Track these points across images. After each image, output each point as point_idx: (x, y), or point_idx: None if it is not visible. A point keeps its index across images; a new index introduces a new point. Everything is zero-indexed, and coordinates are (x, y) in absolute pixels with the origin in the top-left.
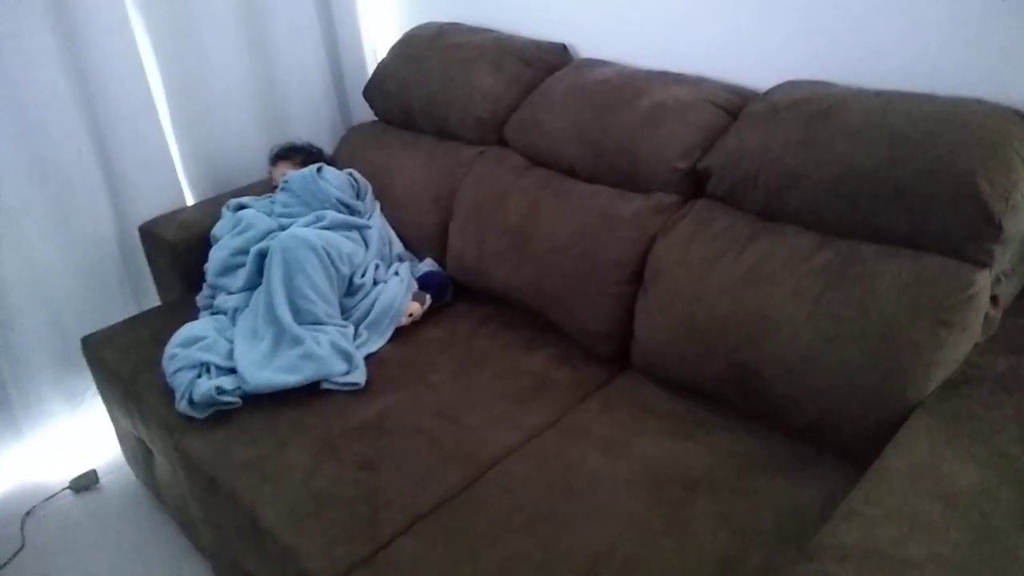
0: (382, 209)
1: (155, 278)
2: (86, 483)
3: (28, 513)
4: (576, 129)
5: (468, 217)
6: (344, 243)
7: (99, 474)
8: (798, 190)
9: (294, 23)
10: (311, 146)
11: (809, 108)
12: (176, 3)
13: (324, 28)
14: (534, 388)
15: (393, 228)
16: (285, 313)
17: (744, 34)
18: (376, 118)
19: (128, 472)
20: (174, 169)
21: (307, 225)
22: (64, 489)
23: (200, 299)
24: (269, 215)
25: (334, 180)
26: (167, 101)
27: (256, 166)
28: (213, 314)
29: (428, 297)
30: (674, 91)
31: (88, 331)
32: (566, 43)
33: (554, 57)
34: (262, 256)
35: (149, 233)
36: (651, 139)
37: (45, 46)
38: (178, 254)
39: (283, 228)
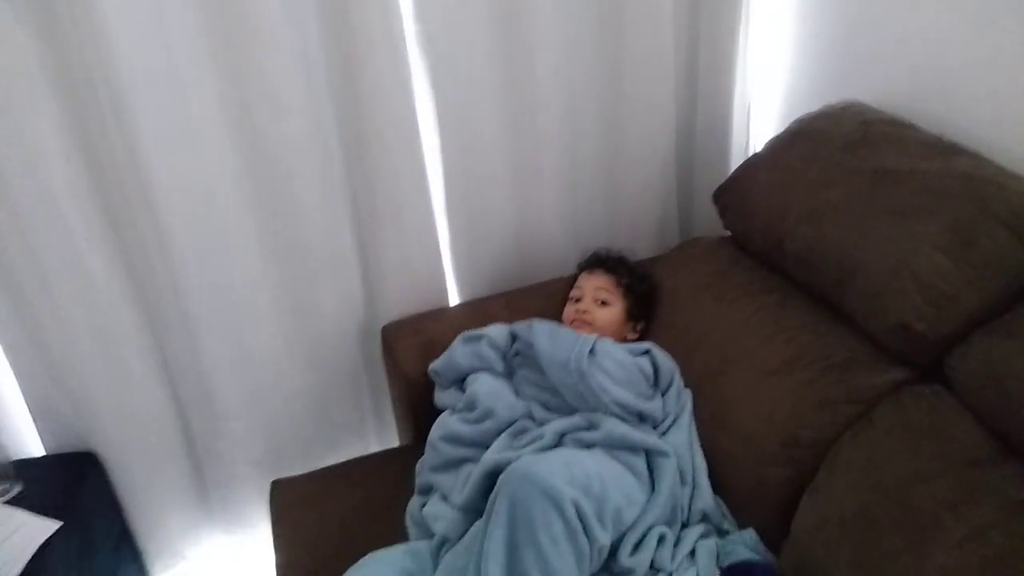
0: (695, 409)
1: (393, 405)
2: None
3: None
4: None
5: (842, 518)
6: (614, 488)
7: None
8: None
9: (645, 54)
10: (644, 273)
11: None
12: (460, 58)
13: (683, 72)
14: None
15: (705, 451)
16: None
17: None
18: (726, 232)
19: None
20: (439, 257)
21: (565, 435)
22: None
23: (419, 473)
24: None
25: (616, 372)
26: (442, 163)
27: (549, 262)
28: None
29: None
30: None
31: (305, 449)
32: None
33: None
34: (492, 478)
35: (388, 344)
36: None
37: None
38: (411, 385)
39: (534, 418)
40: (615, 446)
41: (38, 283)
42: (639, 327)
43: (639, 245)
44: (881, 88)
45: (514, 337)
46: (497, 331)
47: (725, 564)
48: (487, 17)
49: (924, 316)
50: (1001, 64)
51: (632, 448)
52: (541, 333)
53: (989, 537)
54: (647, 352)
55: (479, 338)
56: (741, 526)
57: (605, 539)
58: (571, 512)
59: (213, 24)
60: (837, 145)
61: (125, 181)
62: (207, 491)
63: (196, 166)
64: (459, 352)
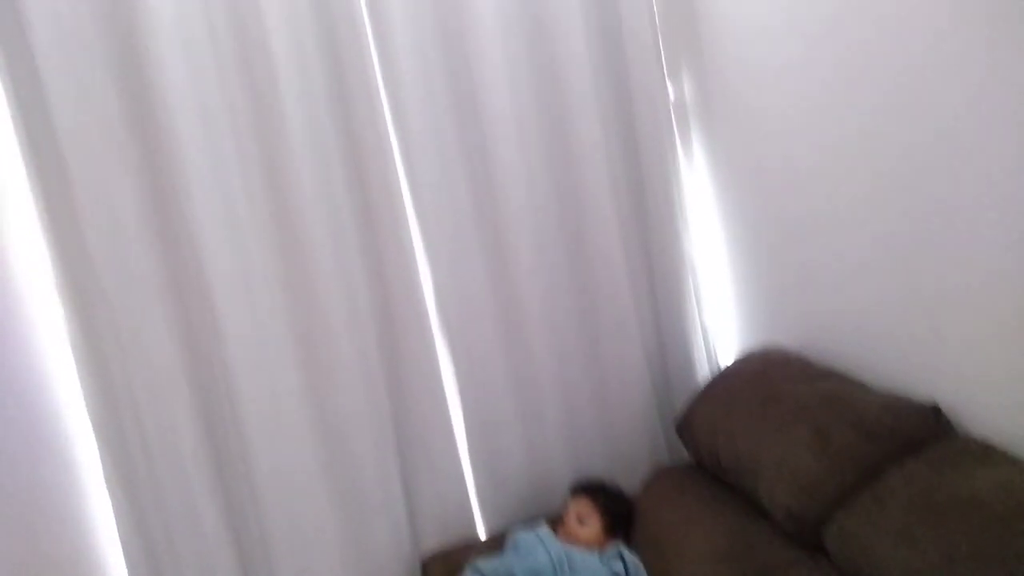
0: None
1: None
2: None
3: None
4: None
5: None
6: None
7: None
8: None
9: (617, 324)
10: (619, 494)
11: None
12: (473, 337)
13: (650, 339)
14: None
15: None
16: None
17: None
18: (691, 458)
19: None
20: (467, 494)
21: None
22: None
23: None
24: None
25: None
26: (463, 415)
27: (558, 495)
28: None
29: None
30: None
31: None
32: (942, 403)
33: (916, 427)
34: None
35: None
36: None
37: (373, 384)
38: None
39: None
40: None
41: (163, 531)
42: (618, 540)
43: (634, 477)
44: (796, 331)
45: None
46: (490, 568)
47: None
48: (493, 308)
49: (799, 500)
50: (872, 313)
51: None
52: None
53: None
54: (619, 554)
55: (475, 570)
56: None
57: None
58: None
59: (292, 311)
60: (745, 379)
61: (232, 447)
62: None
63: (282, 440)
64: None
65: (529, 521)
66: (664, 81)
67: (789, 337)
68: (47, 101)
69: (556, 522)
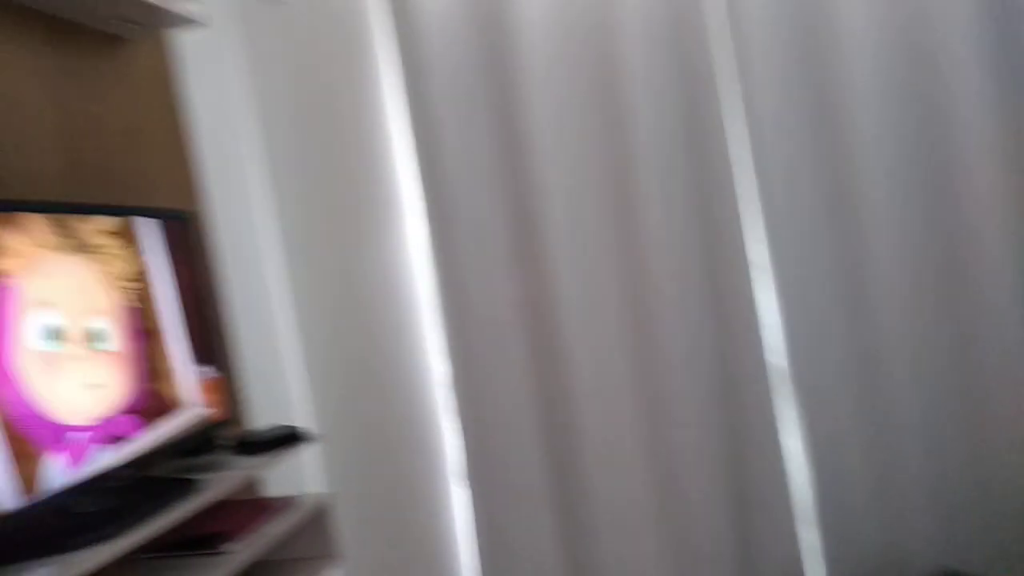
0: None
1: None
2: None
3: None
4: None
5: None
6: None
7: None
8: None
9: (1007, 384)
10: None
11: None
12: (825, 373)
13: None
14: None
15: None
16: None
17: None
18: None
19: None
20: (803, 557)
21: None
22: None
23: None
24: None
25: None
26: (809, 471)
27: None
28: None
29: None
30: None
31: None
32: None
33: None
34: None
35: None
36: None
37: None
38: None
39: None
40: None
41: (509, 537)
42: None
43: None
44: None
45: None
46: None
47: None
48: (850, 358)
49: None
50: None
51: None
52: None
53: None
54: None
55: None
56: None
57: None
58: None
59: (633, 342)
60: None
61: (570, 472)
62: None
63: (617, 472)
64: None
65: None
66: None
67: None
68: (442, 147)
69: None
